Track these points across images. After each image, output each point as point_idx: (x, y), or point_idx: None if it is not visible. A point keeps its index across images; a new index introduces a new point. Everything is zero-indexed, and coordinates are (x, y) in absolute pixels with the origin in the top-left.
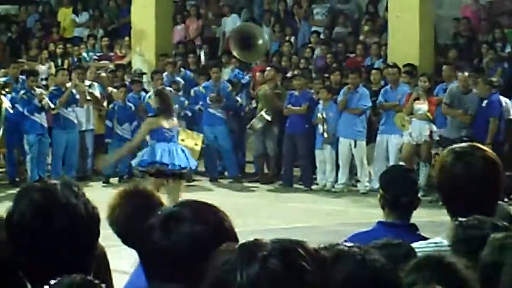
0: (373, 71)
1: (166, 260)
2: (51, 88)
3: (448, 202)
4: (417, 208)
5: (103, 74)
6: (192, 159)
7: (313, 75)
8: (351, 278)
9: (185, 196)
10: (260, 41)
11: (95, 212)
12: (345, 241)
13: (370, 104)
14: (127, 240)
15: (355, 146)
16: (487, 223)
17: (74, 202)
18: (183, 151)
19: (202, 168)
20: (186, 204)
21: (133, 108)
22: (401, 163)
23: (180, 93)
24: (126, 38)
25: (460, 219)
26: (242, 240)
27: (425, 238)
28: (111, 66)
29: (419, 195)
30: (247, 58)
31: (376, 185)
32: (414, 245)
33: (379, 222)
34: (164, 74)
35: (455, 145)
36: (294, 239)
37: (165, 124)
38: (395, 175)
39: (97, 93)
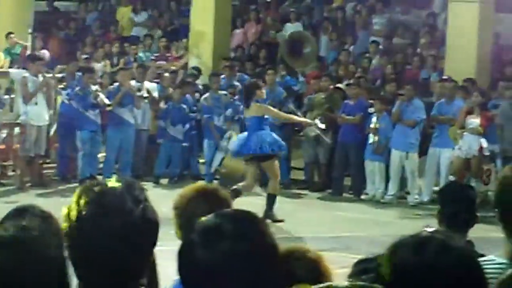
0: (439, 84)
1: (205, 275)
2: (110, 87)
3: (505, 218)
4: (474, 225)
5: (166, 75)
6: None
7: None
8: (436, 262)
9: (235, 201)
10: (308, 49)
11: (153, 218)
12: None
13: (424, 116)
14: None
15: (406, 158)
16: None
17: (129, 207)
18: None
19: None
20: (227, 217)
21: (187, 109)
22: (451, 177)
23: (236, 97)
24: (184, 40)
25: None
26: (288, 245)
27: (481, 255)
28: (173, 67)
29: None
30: (295, 64)
31: (426, 198)
32: None
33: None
34: (222, 77)
35: None
36: (371, 285)
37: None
38: (454, 192)
39: (155, 93)
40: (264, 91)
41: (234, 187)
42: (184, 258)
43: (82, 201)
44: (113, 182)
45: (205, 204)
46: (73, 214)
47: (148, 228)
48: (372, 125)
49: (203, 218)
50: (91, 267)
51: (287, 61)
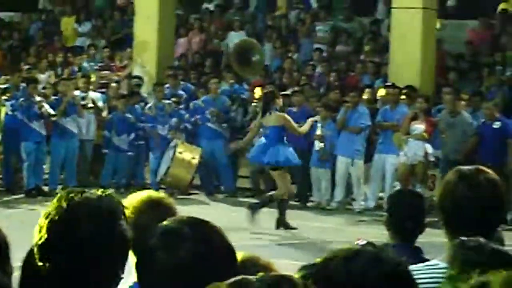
0: (380, 90)
1: (168, 279)
2: (52, 97)
3: (448, 222)
4: (422, 232)
5: (113, 84)
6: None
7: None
8: (366, 274)
9: (180, 210)
10: (256, 57)
11: (123, 234)
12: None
13: (369, 123)
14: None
15: (352, 165)
16: (486, 248)
17: (101, 220)
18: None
19: (198, 182)
20: (185, 222)
21: (132, 119)
22: (397, 183)
23: (181, 106)
24: (128, 49)
25: (461, 238)
26: (238, 253)
27: (426, 260)
28: (116, 77)
29: None
30: (243, 73)
31: (372, 204)
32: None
33: (384, 245)
34: (166, 86)
35: (460, 166)
36: (283, 274)
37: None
38: (402, 199)
39: (99, 103)
40: (281, 99)
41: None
42: (145, 263)
43: (53, 207)
44: (95, 193)
45: (151, 213)
46: (45, 219)
47: (118, 243)
48: (317, 132)
49: (162, 223)
50: (60, 275)
51: (235, 69)
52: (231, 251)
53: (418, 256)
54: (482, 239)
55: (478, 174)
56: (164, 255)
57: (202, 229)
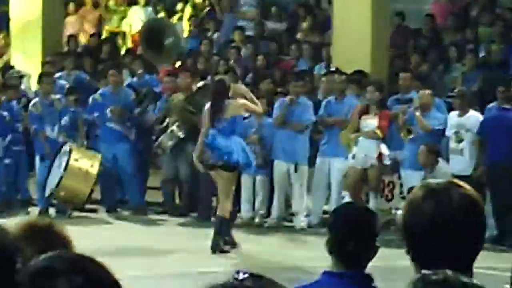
0: (325, 78)
1: None
2: None
3: (413, 247)
4: (373, 256)
5: None
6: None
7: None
8: None
9: (78, 230)
10: (170, 40)
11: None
12: None
13: (314, 118)
14: None
15: (295, 171)
16: (454, 283)
17: None
18: None
19: (98, 196)
20: (58, 256)
21: (7, 118)
22: (345, 193)
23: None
24: (4, 32)
25: (424, 271)
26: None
27: None
28: None
29: None
30: (155, 60)
31: (316, 220)
32: None
33: (325, 273)
34: (57, 75)
35: (430, 180)
36: None
37: None
38: (346, 215)
39: None
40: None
41: None
42: None
43: None
44: None
45: (37, 244)
46: None
47: None
48: (252, 134)
49: (33, 262)
50: None
51: (145, 56)
52: (114, 283)
53: (367, 287)
54: (449, 272)
55: (450, 189)
56: None
57: (76, 262)
